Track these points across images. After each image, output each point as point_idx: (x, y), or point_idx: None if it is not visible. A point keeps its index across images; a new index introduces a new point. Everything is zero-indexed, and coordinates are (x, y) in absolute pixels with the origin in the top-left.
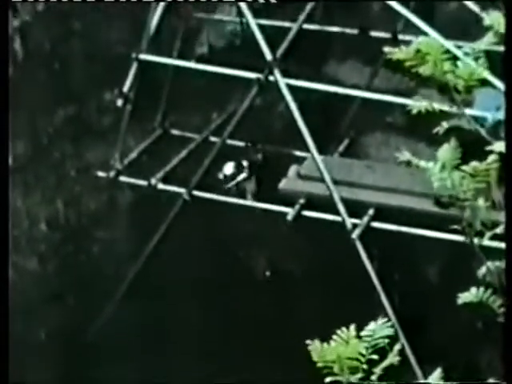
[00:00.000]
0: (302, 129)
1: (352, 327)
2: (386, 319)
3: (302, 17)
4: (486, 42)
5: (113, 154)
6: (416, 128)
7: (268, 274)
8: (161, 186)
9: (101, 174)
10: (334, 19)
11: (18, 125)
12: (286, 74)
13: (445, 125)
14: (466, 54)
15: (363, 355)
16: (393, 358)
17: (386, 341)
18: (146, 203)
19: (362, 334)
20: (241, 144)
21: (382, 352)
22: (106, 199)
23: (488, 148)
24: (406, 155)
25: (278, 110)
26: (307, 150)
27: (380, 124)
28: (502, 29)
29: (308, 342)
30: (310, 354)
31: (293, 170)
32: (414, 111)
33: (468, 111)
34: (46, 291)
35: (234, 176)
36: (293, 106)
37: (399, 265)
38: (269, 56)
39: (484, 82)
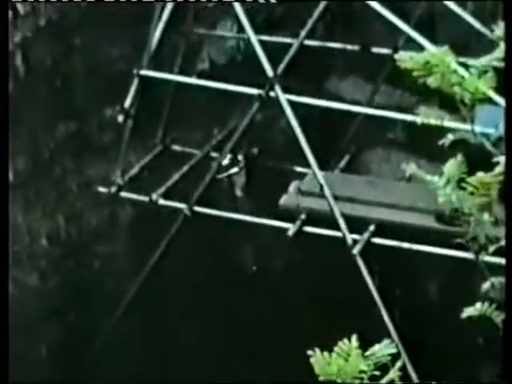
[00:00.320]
0: (303, 145)
1: (354, 339)
2: (389, 340)
3: (303, 33)
4: (494, 58)
5: (114, 169)
6: (417, 144)
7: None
8: (162, 201)
9: (102, 189)
10: (335, 35)
11: (18, 140)
12: (287, 90)
13: (450, 137)
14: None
15: (365, 372)
16: (394, 374)
17: (389, 358)
18: (147, 219)
19: (367, 353)
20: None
21: (384, 368)
22: (107, 215)
23: (494, 160)
24: (412, 168)
25: (279, 126)
26: (308, 165)
27: (381, 140)
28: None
29: (310, 352)
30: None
31: (294, 185)
32: (419, 121)
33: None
34: (47, 306)
35: (227, 168)
36: (294, 121)
37: (400, 281)
38: (270, 72)
39: (490, 97)
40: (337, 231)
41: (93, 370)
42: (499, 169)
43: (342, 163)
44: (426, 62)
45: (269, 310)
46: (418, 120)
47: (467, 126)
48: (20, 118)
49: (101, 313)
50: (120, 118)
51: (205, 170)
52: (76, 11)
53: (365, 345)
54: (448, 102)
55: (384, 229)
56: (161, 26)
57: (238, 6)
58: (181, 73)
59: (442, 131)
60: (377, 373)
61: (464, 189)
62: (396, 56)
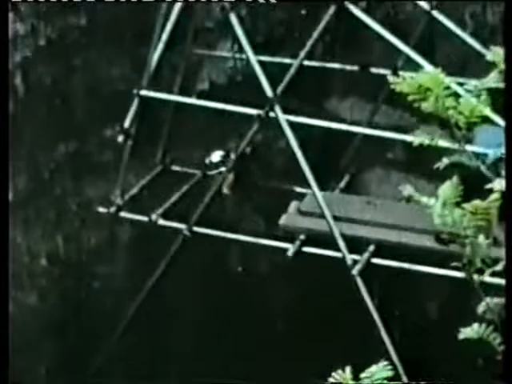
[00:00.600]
0: (303, 165)
1: (348, 370)
2: (386, 362)
3: (302, 53)
4: (491, 80)
5: (113, 189)
6: (417, 164)
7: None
8: (161, 221)
9: (101, 209)
10: (334, 56)
11: (18, 160)
12: (286, 110)
13: (445, 161)
14: (468, 91)
15: None
16: None
17: (385, 382)
18: (146, 239)
19: (362, 375)
20: None
21: None
22: (106, 235)
23: (488, 186)
24: (408, 189)
25: (279, 147)
26: (308, 186)
27: (381, 160)
28: (503, 65)
29: None
30: None
31: (293, 206)
32: (416, 143)
33: (469, 147)
34: (46, 326)
35: (217, 165)
36: (293, 142)
37: (399, 301)
38: (269, 92)
39: (485, 119)
40: (336, 251)
41: None
42: (495, 195)
43: (342, 183)
44: (420, 85)
45: (268, 331)
46: (416, 141)
47: (467, 147)
48: (20, 138)
49: (100, 332)
50: (120, 138)
51: (204, 190)
52: (76, 31)
53: (363, 365)
54: (448, 123)
55: (384, 249)
56: (160, 46)
57: (237, 27)
58: (180, 93)
59: (442, 152)
60: None
61: (460, 212)
62: (390, 79)
